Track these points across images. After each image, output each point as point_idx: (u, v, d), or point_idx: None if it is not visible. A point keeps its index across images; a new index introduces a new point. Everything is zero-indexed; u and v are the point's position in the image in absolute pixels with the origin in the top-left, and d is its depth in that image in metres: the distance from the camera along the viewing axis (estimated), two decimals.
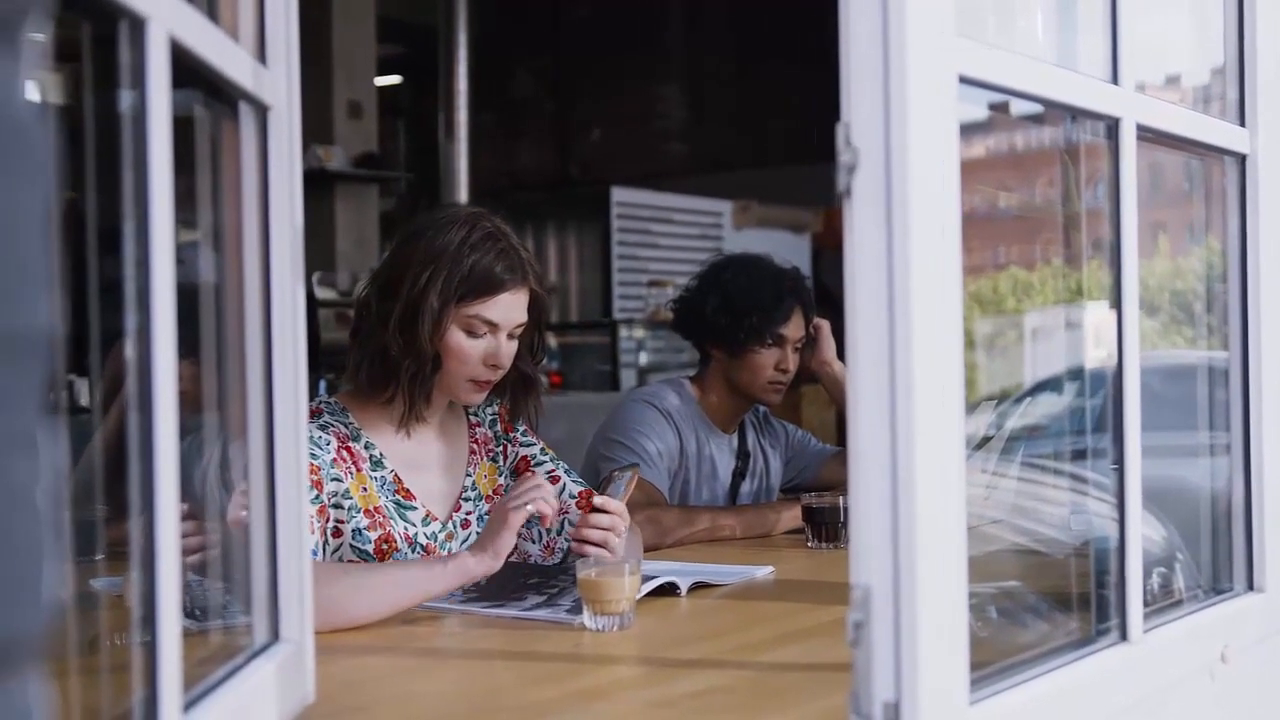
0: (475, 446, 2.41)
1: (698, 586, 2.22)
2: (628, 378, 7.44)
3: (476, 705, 1.60)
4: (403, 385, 2.23)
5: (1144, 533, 1.60)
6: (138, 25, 1.01)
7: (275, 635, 1.39)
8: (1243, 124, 1.85)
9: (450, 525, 2.32)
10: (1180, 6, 2.11)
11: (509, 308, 2.24)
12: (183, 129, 1.08)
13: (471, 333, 2.23)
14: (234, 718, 1.20)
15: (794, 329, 3.06)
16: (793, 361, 3.07)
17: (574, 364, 7.70)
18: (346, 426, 2.26)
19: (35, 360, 0.59)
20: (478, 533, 2.32)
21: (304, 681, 1.43)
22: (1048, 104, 1.54)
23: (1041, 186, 2.09)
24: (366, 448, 2.26)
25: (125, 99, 1.02)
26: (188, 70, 1.12)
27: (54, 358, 0.62)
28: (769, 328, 3.03)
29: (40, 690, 0.62)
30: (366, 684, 1.69)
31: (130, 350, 1.02)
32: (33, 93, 0.62)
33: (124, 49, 1.01)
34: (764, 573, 2.39)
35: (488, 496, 2.39)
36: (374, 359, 2.24)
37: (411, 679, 1.73)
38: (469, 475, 2.38)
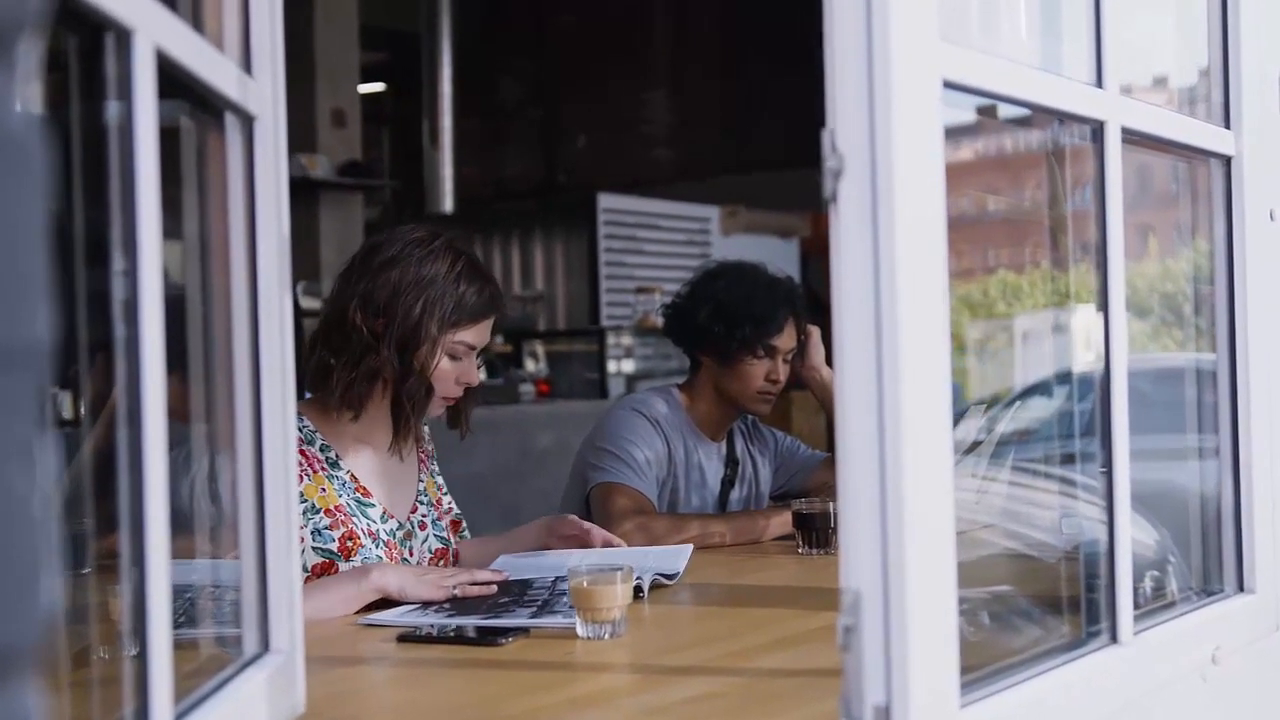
0: (423, 457, 2.53)
1: (658, 586, 2.24)
2: (616, 385, 7.42)
3: (469, 715, 1.60)
4: (406, 409, 2.33)
5: (1137, 536, 1.61)
6: (124, 37, 1.01)
7: (265, 646, 1.39)
8: (1228, 126, 1.85)
9: (409, 525, 2.42)
10: (1164, 8, 2.12)
11: (487, 332, 2.39)
12: (167, 139, 1.08)
13: (453, 356, 2.35)
14: None
15: (786, 340, 3.05)
16: (783, 372, 3.05)
17: (561, 372, 7.69)
18: (300, 430, 2.30)
19: (33, 371, 0.60)
20: (434, 535, 2.47)
21: (294, 692, 1.43)
22: (1032, 108, 1.55)
23: (1030, 189, 2.10)
24: (322, 450, 2.33)
25: (111, 109, 1.02)
26: (172, 80, 1.12)
27: (49, 370, 0.62)
28: (761, 339, 3.01)
29: (37, 700, 0.62)
30: (356, 695, 1.68)
31: (119, 362, 1.01)
32: (28, 105, 0.62)
33: (110, 60, 1.01)
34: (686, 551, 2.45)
35: (435, 503, 2.51)
36: (364, 379, 2.31)
37: (402, 689, 1.73)
38: (420, 482, 2.50)
